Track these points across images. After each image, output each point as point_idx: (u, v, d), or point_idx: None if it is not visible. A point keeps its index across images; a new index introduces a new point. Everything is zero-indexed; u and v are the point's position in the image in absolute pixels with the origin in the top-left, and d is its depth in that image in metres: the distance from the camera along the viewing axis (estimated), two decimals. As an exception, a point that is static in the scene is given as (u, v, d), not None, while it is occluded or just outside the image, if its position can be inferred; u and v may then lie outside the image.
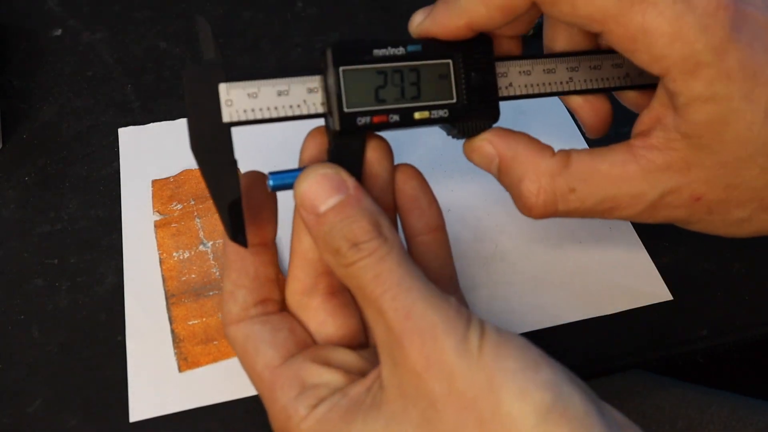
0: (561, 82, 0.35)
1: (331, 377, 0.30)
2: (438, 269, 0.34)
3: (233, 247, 0.31)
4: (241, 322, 0.32)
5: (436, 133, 0.50)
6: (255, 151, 0.49)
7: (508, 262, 0.43)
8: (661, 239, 0.45)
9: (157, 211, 0.45)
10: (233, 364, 0.39)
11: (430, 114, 0.33)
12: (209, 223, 0.44)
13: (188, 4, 0.60)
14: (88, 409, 0.38)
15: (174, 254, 0.43)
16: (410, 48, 0.32)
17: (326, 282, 0.33)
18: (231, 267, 0.32)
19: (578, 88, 0.35)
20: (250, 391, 0.38)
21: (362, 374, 0.30)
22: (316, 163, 0.31)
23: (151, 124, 0.51)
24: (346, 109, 0.31)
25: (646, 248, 0.44)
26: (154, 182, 0.47)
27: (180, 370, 0.39)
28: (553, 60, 0.35)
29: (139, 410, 0.37)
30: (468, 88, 0.33)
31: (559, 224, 0.45)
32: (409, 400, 0.26)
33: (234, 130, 0.31)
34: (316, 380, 0.30)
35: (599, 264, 0.43)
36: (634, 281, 0.42)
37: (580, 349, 0.40)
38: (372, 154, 0.32)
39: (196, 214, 0.45)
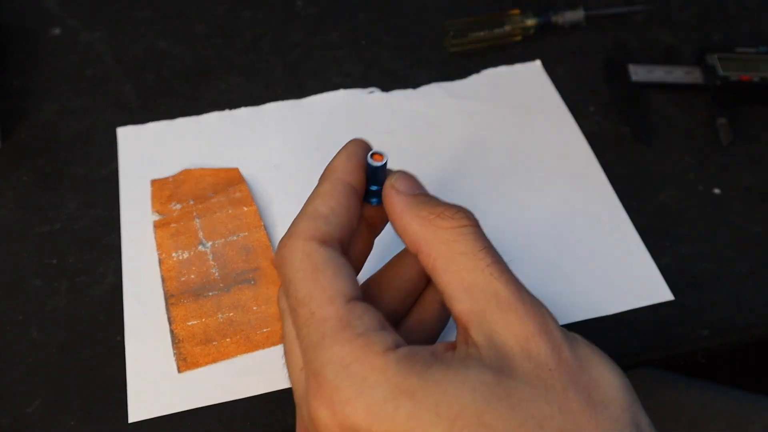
0: None
1: (399, 337, 0.28)
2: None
3: (344, 177, 0.31)
4: (324, 244, 0.30)
5: (441, 133, 0.50)
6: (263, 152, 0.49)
7: (508, 263, 0.43)
8: (663, 239, 0.44)
9: (156, 211, 0.45)
10: (233, 364, 0.39)
11: None
12: (209, 223, 0.44)
13: (188, 4, 0.60)
14: (87, 409, 0.38)
15: (173, 254, 0.43)
16: None
17: None
18: (336, 198, 0.31)
19: None
20: (249, 391, 0.38)
21: None
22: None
23: (150, 124, 0.51)
24: None
25: (648, 248, 0.44)
26: (153, 182, 0.47)
27: (179, 370, 0.38)
28: None
29: (138, 411, 0.37)
30: None
31: (560, 224, 0.45)
32: (516, 360, 0.27)
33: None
34: (392, 329, 0.28)
35: (600, 264, 0.43)
36: (635, 281, 0.42)
37: (580, 350, 0.40)
38: None
39: (195, 214, 0.44)
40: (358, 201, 0.32)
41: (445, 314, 0.35)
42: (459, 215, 0.30)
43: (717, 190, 0.47)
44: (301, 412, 0.30)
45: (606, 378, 0.27)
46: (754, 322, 0.41)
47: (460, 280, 0.29)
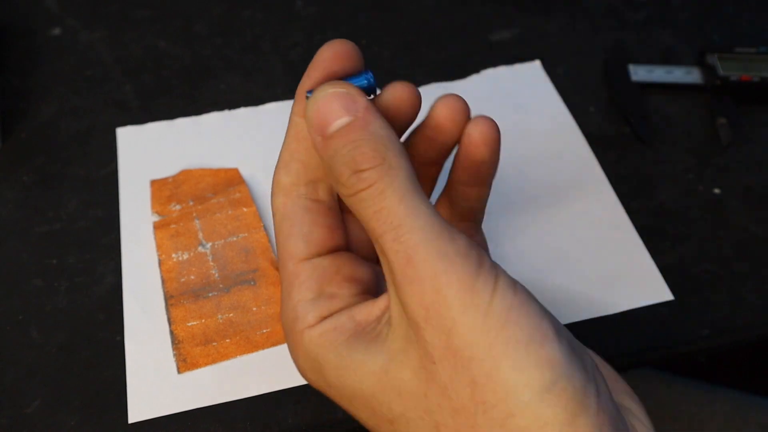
0: None
1: (348, 291, 0.30)
2: (467, 214, 0.33)
3: (297, 117, 0.30)
4: (287, 196, 0.31)
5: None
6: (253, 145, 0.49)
7: (508, 263, 0.43)
8: (663, 239, 0.44)
9: (156, 212, 0.45)
10: (232, 365, 0.39)
11: None
12: (208, 224, 0.44)
13: (188, 4, 0.60)
14: (86, 409, 0.38)
15: (173, 255, 0.43)
16: None
17: None
18: (290, 136, 0.31)
19: None
20: (249, 391, 0.38)
21: (377, 294, 0.30)
22: (327, 82, 0.29)
23: (150, 124, 0.51)
24: None
25: (647, 248, 0.44)
26: (153, 182, 0.47)
27: (179, 371, 0.38)
28: None
29: (137, 411, 0.37)
30: None
31: (560, 224, 0.45)
32: (410, 343, 0.26)
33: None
34: (333, 290, 0.30)
35: (600, 264, 0.43)
36: (635, 281, 0.42)
37: (580, 350, 0.40)
38: (443, 112, 0.30)
39: (195, 214, 0.44)
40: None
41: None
42: (352, 180, 0.27)
43: (717, 190, 0.47)
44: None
45: (505, 376, 0.24)
46: (754, 322, 0.41)
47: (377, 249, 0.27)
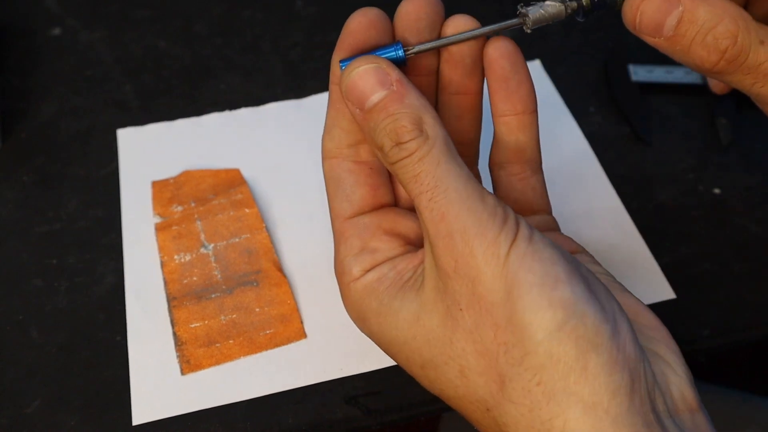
0: None
1: (389, 245, 0.32)
2: (517, 152, 0.34)
3: (333, 85, 0.32)
4: (333, 159, 0.33)
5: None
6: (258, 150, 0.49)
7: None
8: (663, 239, 0.44)
9: (158, 214, 0.45)
10: (236, 366, 0.39)
11: None
12: (210, 225, 0.44)
13: (188, 4, 0.60)
14: (86, 410, 0.38)
15: (175, 257, 0.43)
16: None
17: None
18: (331, 104, 0.32)
19: None
20: (252, 393, 0.38)
21: (420, 245, 0.32)
22: (358, 57, 0.30)
23: (150, 125, 0.51)
24: None
25: (649, 247, 0.44)
26: (154, 184, 0.47)
27: (182, 372, 0.38)
28: None
29: (141, 413, 0.37)
30: None
31: (561, 224, 0.45)
32: (439, 293, 0.28)
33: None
34: (375, 245, 0.32)
35: (602, 262, 0.43)
36: (636, 280, 0.42)
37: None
38: (448, 27, 0.33)
39: (196, 216, 0.44)
40: None
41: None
42: (394, 151, 0.29)
43: (717, 190, 0.47)
44: None
45: (520, 317, 0.26)
46: (754, 322, 0.41)
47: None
